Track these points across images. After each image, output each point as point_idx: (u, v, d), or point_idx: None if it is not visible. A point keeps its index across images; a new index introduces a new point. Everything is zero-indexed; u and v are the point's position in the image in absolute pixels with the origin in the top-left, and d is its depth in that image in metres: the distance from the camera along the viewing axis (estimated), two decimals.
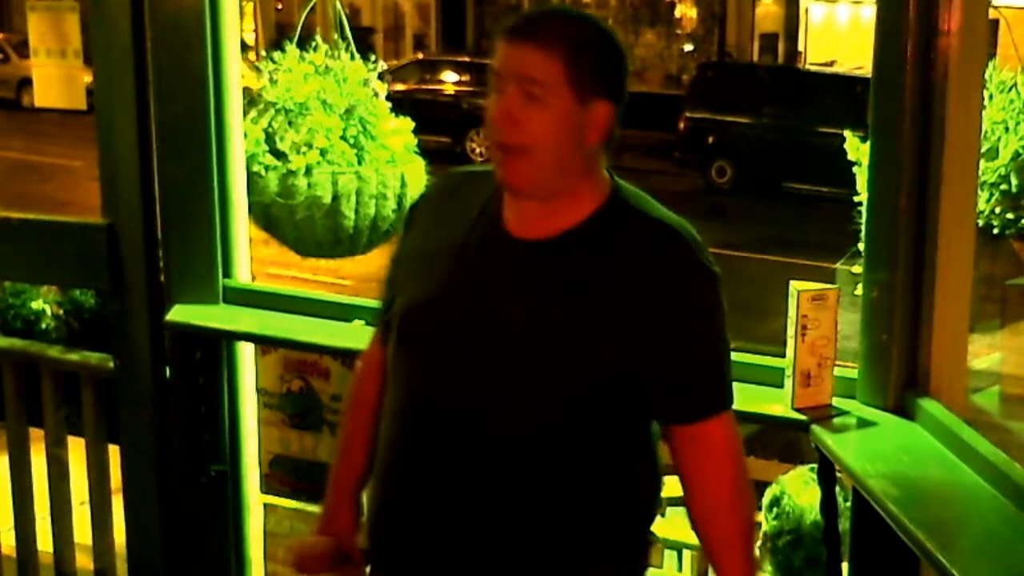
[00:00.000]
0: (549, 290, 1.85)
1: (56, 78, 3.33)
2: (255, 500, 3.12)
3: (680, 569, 4.35)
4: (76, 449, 3.34)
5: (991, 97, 3.07)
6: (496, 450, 1.86)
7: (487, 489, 1.87)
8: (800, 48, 22.53)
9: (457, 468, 1.88)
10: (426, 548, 1.93)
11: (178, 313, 3.02)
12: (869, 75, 2.35)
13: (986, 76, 2.83)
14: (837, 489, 2.53)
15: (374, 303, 2.38)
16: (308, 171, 3.06)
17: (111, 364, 3.16)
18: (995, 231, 3.10)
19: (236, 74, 3.03)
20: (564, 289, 1.84)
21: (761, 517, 3.10)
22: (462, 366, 1.88)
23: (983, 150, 2.96)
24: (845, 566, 2.48)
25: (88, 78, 3.13)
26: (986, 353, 2.86)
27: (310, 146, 3.08)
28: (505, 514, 1.88)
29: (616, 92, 1.86)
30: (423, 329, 1.93)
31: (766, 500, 3.10)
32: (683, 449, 1.93)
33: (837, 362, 2.43)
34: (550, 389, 1.84)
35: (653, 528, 2.03)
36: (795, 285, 2.39)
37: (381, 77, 3.32)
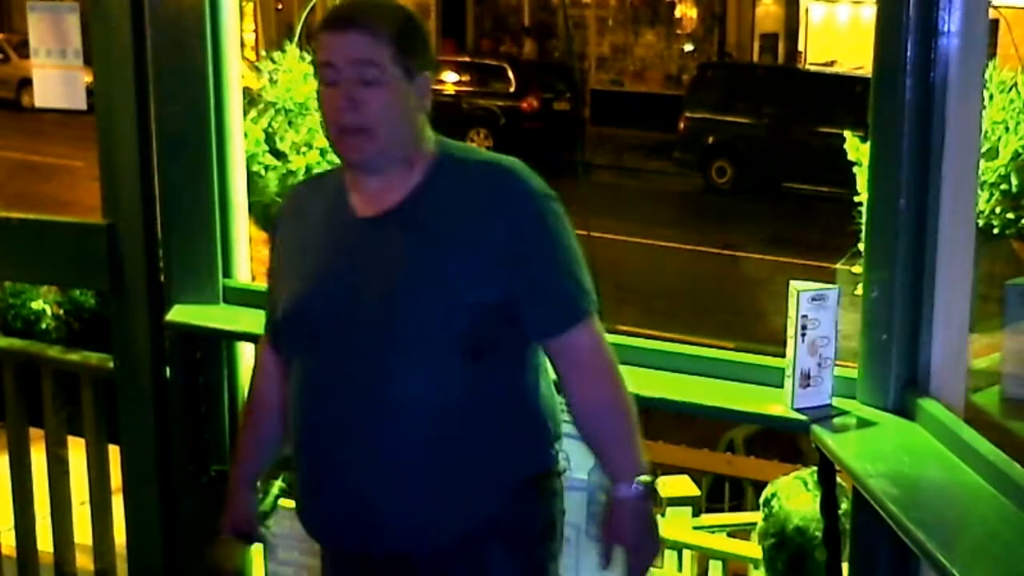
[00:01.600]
0: (406, 253, 2.03)
1: (56, 78, 3.33)
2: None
3: (680, 569, 4.35)
4: (76, 449, 3.34)
5: (991, 97, 3.07)
6: (395, 416, 2.01)
7: (394, 447, 2.02)
8: (800, 48, 22.50)
9: (366, 434, 2.03)
10: (353, 507, 2.07)
11: (178, 313, 3.02)
12: (869, 75, 2.35)
13: (986, 76, 2.83)
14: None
15: None
16: (308, 171, 3.06)
17: (111, 364, 3.16)
18: (995, 231, 3.10)
19: (236, 74, 3.03)
20: (419, 245, 2.02)
21: (759, 516, 3.12)
22: (347, 346, 2.04)
23: (983, 150, 2.96)
24: (845, 566, 2.48)
25: (88, 78, 3.13)
26: (986, 353, 2.85)
27: (310, 146, 3.08)
28: (420, 460, 2.03)
29: (432, 63, 2.10)
30: (305, 323, 2.09)
31: (761, 500, 3.12)
32: (557, 362, 2.11)
33: (837, 362, 2.43)
34: (431, 335, 2.00)
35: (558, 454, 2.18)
36: (795, 285, 2.39)
37: None
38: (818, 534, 2.90)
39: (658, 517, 2.18)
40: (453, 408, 2.02)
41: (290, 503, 3.02)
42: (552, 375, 2.18)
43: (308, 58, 3.21)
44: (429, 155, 2.09)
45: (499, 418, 2.08)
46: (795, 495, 3.03)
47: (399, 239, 2.04)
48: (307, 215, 2.18)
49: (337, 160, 2.15)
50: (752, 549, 3.22)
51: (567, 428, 2.21)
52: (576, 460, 2.31)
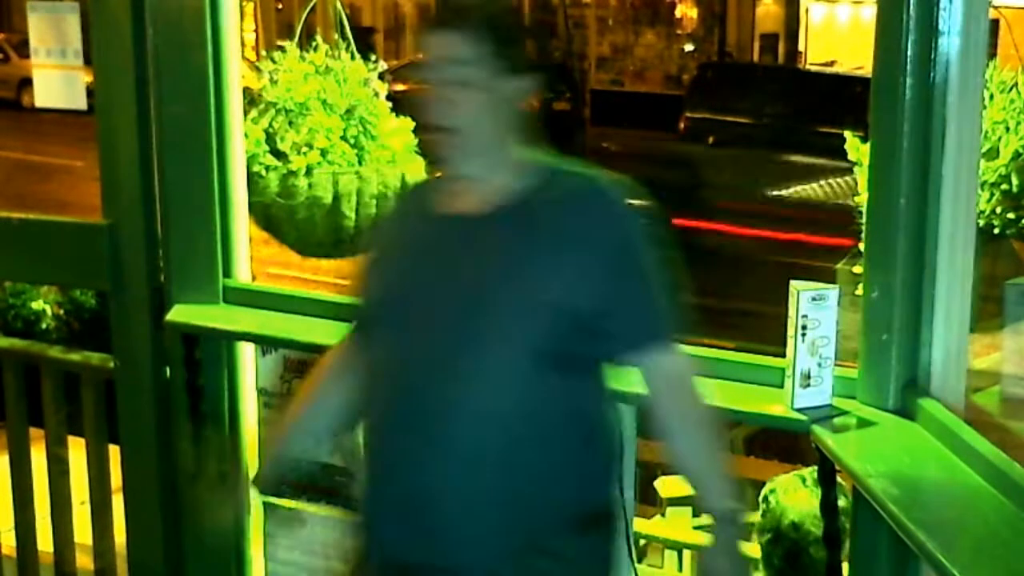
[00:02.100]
0: (497, 252, 1.99)
1: (56, 78, 3.33)
2: (255, 500, 3.12)
3: (680, 569, 4.35)
4: (76, 449, 3.34)
5: (991, 97, 3.07)
6: (467, 418, 1.96)
7: (462, 451, 1.96)
8: (800, 48, 22.50)
9: (435, 434, 1.97)
10: (411, 507, 2.01)
11: (178, 313, 3.02)
12: (869, 75, 2.35)
13: (986, 76, 2.83)
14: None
15: None
16: (309, 171, 3.06)
17: (111, 364, 3.16)
18: (995, 231, 3.10)
19: (236, 74, 3.03)
20: (510, 248, 1.98)
21: (757, 515, 3.13)
22: (427, 345, 1.99)
23: (983, 150, 2.96)
24: (845, 566, 2.48)
25: (88, 78, 3.13)
26: (986, 353, 2.85)
27: (311, 146, 3.08)
28: (487, 474, 1.96)
29: (531, 65, 2.03)
30: (389, 316, 2.06)
31: (759, 497, 3.13)
32: (646, 378, 2.05)
33: (837, 362, 2.42)
34: (514, 340, 1.95)
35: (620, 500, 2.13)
36: (795, 285, 2.39)
37: (381, 77, 3.32)
38: (813, 530, 2.91)
39: (743, 540, 2.10)
40: (526, 420, 1.96)
41: (291, 503, 3.03)
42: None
43: (308, 58, 3.20)
44: (528, 162, 2.05)
45: (568, 441, 2.02)
46: (792, 491, 3.05)
47: (490, 241, 2.00)
48: (408, 215, 2.18)
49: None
50: (752, 549, 3.22)
51: None
52: None
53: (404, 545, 2.03)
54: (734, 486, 2.06)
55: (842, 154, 2.99)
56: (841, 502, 2.50)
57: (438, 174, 2.13)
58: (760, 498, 3.13)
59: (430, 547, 2.01)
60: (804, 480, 3.05)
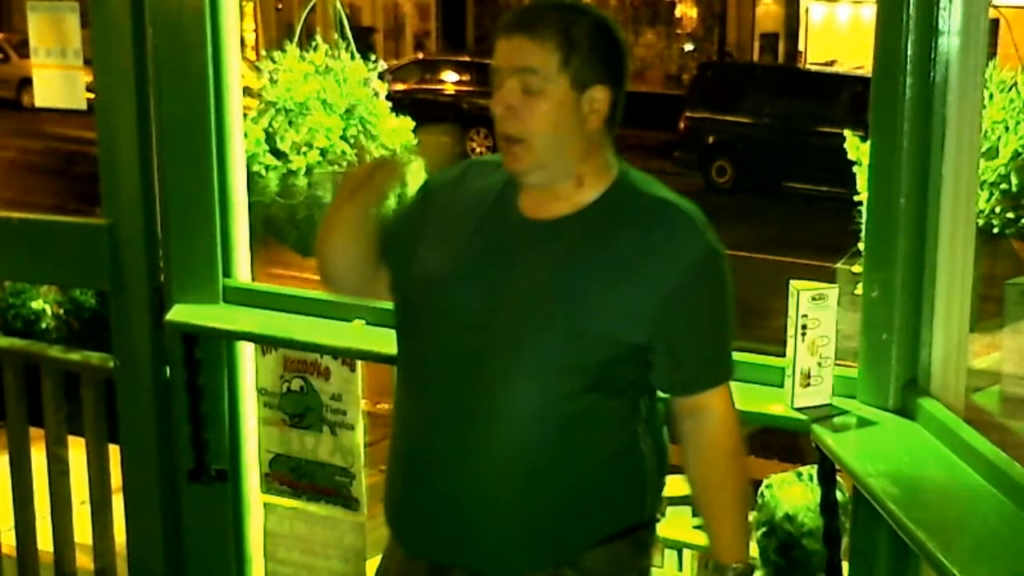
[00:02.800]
0: (558, 265, 1.93)
1: (56, 78, 3.33)
2: (255, 500, 3.12)
3: (680, 569, 4.35)
4: (76, 449, 3.34)
5: (991, 97, 3.08)
6: (520, 423, 1.92)
7: (493, 460, 1.93)
8: (800, 48, 22.51)
9: (467, 440, 1.94)
10: (439, 512, 1.99)
11: (178, 313, 3.02)
12: (869, 75, 2.35)
13: (986, 76, 2.84)
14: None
15: (374, 303, 2.38)
16: (308, 171, 3.07)
17: (111, 364, 3.16)
18: (995, 231, 3.11)
19: (236, 74, 3.03)
20: (573, 264, 1.93)
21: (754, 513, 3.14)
22: (472, 344, 1.94)
23: (983, 150, 2.96)
24: (845, 565, 2.48)
25: (88, 78, 3.13)
26: (986, 353, 2.86)
27: (310, 146, 3.08)
28: (519, 484, 1.94)
29: (613, 77, 1.94)
30: (436, 307, 2.00)
31: (758, 495, 3.14)
32: (682, 420, 2.03)
33: (837, 362, 2.42)
34: (560, 358, 1.91)
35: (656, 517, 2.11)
36: (795, 285, 2.39)
37: (381, 77, 3.33)
38: (807, 522, 2.91)
39: None
40: (562, 436, 1.93)
41: (291, 503, 3.03)
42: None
43: (308, 58, 3.21)
44: (606, 175, 1.98)
45: (606, 460, 1.99)
46: (787, 486, 3.06)
47: (548, 252, 1.95)
48: (475, 196, 2.06)
49: None
50: (752, 549, 3.23)
51: None
52: None
53: (435, 545, 2.02)
54: (746, 544, 2.05)
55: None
56: (839, 496, 2.50)
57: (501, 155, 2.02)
58: (757, 494, 3.14)
59: (460, 551, 1.99)
60: (800, 475, 3.06)
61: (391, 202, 2.10)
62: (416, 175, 2.19)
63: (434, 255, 2.03)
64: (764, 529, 3.04)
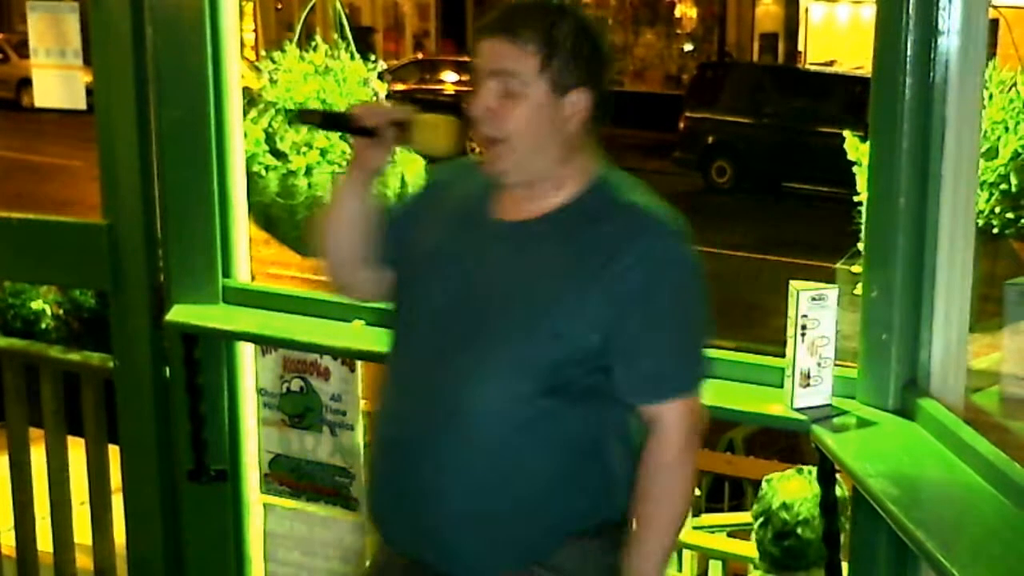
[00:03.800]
0: (520, 266, 1.95)
1: (56, 78, 3.33)
2: (255, 500, 3.12)
3: (680, 569, 4.36)
4: (76, 449, 3.34)
5: (991, 97, 3.07)
6: (481, 422, 1.93)
7: (455, 460, 1.94)
8: (800, 48, 22.51)
9: (433, 439, 1.96)
10: (410, 510, 2.00)
11: (178, 313, 3.02)
12: (869, 75, 2.35)
13: (986, 76, 2.83)
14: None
15: (373, 303, 2.38)
16: (308, 171, 3.07)
17: (111, 364, 3.16)
18: (995, 231, 3.11)
19: (236, 75, 3.03)
20: (534, 264, 1.94)
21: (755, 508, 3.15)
22: (438, 346, 1.97)
23: (983, 150, 2.96)
24: (845, 565, 2.48)
25: (88, 78, 3.13)
26: (986, 353, 2.85)
27: (310, 146, 3.08)
28: (482, 484, 1.95)
29: (594, 79, 1.94)
30: (412, 310, 2.03)
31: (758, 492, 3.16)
32: (646, 428, 1.99)
33: (837, 362, 2.43)
34: (518, 358, 1.92)
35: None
36: (795, 285, 2.39)
37: (381, 77, 3.33)
38: (803, 511, 2.92)
39: None
40: (522, 436, 1.93)
41: (291, 504, 3.03)
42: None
43: (308, 58, 3.21)
44: (584, 178, 1.98)
45: (570, 462, 1.97)
46: (786, 480, 3.06)
47: (517, 253, 1.96)
48: (459, 191, 2.08)
49: None
50: (752, 549, 3.23)
51: None
52: None
53: (412, 543, 2.04)
54: (663, 563, 2.02)
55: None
56: (837, 491, 2.51)
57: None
58: (758, 490, 3.15)
59: (430, 549, 2.00)
60: (800, 471, 3.06)
61: (390, 196, 2.10)
62: (414, 166, 2.18)
63: (418, 250, 2.06)
64: (761, 520, 3.05)
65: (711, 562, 4.36)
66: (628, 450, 2.04)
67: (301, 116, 3.06)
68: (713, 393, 2.52)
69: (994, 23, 2.65)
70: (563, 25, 1.90)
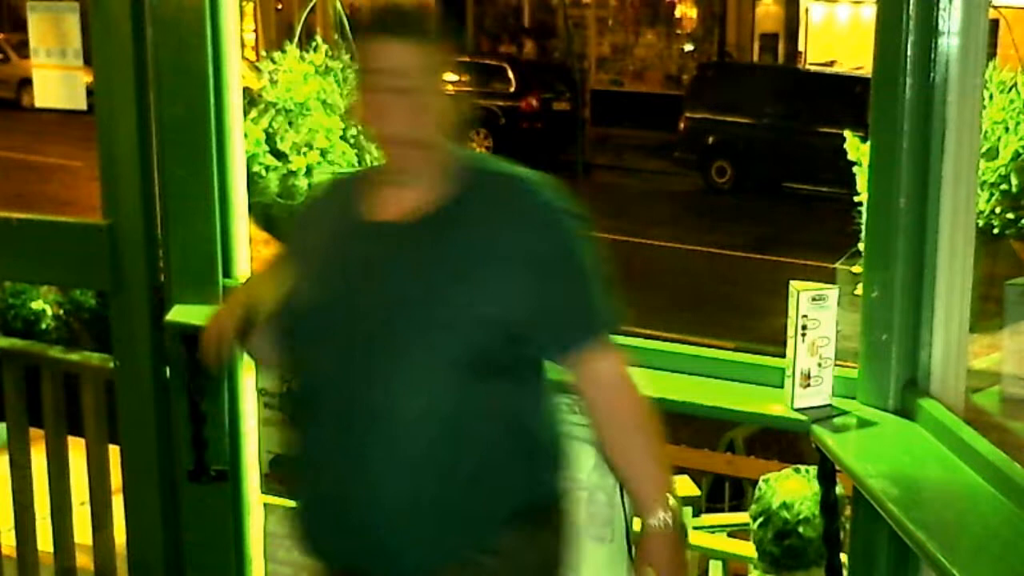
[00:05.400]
0: (418, 264, 1.99)
1: (56, 78, 3.33)
2: (255, 500, 3.12)
3: None
4: (76, 449, 3.34)
5: (991, 97, 3.07)
6: (389, 428, 1.95)
7: (387, 462, 1.96)
8: (800, 48, 22.49)
9: (359, 445, 1.97)
10: (344, 521, 2.01)
11: (178, 313, 3.02)
12: (869, 75, 2.35)
13: (986, 76, 2.84)
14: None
15: None
16: (309, 171, 3.07)
17: (111, 364, 3.16)
18: (995, 231, 3.11)
19: (236, 74, 3.03)
20: (432, 259, 1.98)
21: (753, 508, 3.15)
22: (350, 353, 1.98)
23: (983, 150, 2.96)
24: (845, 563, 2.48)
25: (88, 78, 3.13)
26: (986, 353, 2.86)
27: (311, 146, 3.08)
28: (415, 483, 1.96)
29: (460, 72, 2.05)
30: (317, 330, 2.03)
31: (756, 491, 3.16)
32: (578, 381, 2.05)
33: (837, 362, 2.43)
34: (437, 355, 1.95)
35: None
36: (795, 285, 2.39)
37: None
38: (803, 510, 2.92)
39: (684, 539, 2.13)
40: (450, 426, 1.96)
41: (289, 502, 3.03)
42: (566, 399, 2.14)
43: (308, 58, 3.21)
44: (457, 164, 2.05)
45: (499, 442, 2.01)
46: (785, 479, 3.07)
47: (416, 251, 2.00)
48: (321, 221, 2.14)
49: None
50: (752, 549, 3.23)
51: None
52: (576, 459, 2.30)
53: (347, 556, 2.05)
54: (667, 491, 2.05)
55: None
56: (837, 489, 2.51)
57: (361, 172, 2.14)
58: (757, 494, 3.15)
59: (371, 556, 2.01)
60: (799, 470, 3.07)
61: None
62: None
63: (305, 288, 2.07)
64: (761, 519, 3.05)
65: (711, 562, 4.36)
66: (553, 426, 2.11)
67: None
68: (713, 393, 2.52)
69: (994, 23, 2.65)
70: (435, 22, 2.00)
